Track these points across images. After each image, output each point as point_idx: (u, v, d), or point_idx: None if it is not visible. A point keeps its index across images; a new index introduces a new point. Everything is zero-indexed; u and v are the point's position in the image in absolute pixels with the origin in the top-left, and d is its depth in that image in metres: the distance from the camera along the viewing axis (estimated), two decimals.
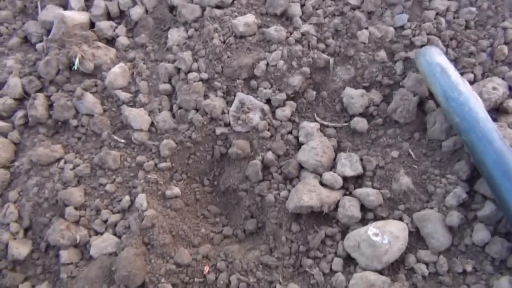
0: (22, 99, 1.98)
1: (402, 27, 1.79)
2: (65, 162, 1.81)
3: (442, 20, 1.76)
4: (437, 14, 1.77)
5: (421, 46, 1.72)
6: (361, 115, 1.74)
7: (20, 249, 1.75)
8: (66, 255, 1.69)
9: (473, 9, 1.74)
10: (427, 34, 1.74)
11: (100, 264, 1.66)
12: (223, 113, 1.79)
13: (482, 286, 1.40)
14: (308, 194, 1.56)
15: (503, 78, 1.64)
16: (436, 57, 1.59)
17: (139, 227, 1.65)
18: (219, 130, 1.78)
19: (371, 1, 1.80)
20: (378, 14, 1.83)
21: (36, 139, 1.90)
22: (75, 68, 1.90)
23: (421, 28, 1.75)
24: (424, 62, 1.60)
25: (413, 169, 1.60)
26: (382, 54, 1.77)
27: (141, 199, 1.69)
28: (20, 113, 1.93)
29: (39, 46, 2.06)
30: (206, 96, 1.82)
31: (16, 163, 1.88)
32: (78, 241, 1.70)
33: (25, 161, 1.84)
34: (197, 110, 1.81)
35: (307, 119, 1.78)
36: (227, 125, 1.79)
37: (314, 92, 1.81)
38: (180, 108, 1.84)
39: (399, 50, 1.77)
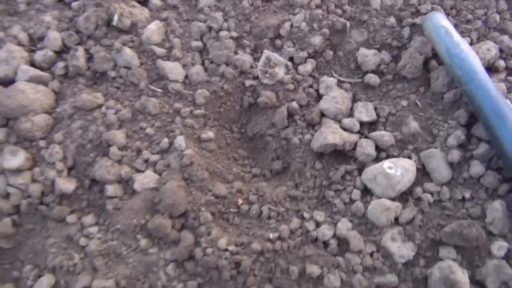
0: (61, 52, 2.13)
1: None
2: (107, 108, 1.99)
3: None
4: None
5: (426, 13, 1.99)
6: (374, 72, 2.00)
7: (67, 184, 1.92)
8: (111, 189, 1.88)
9: None
10: (431, 3, 2.01)
11: (144, 197, 1.85)
12: (251, 67, 2.01)
13: (478, 209, 1.68)
14: (332, 134, 1.81)
15: (495, 42, 1.93)
16: (441, 20, 1.86)
17: (180, 165, 1.85)
18: (248, 82, 2.00)
19: None
20: None
21: (76, 88, 2.07)
22: (114, 24, 2.07)
23: None
24: (431, 24, 1.87)
25: (420, 116, 1.87)
26: (391, 20, 2.03)
27: (180, 140, 1.89)
28: (60, 64, 2.09)
29: (74, 4, 2.21)
30: (235, 53, 2.03)
31: (58, 109, 2.03)
32: (122, 177, 1.89)
33: (68, 107, 2.00)
34: (227, 64, 2.02)
35: (326, 75, 2.02)
36: (255, 78, 2.01)
37: (332, 52, 2.05)
38: (211, 62, 2.05)
39: (406, 17, 2.03)
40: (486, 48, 1.88)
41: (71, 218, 1.90)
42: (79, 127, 1.96)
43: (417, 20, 2.00)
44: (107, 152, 1.93)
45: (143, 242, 1.78)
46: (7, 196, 1.92)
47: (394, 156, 1.82)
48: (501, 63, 1.89)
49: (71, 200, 1.94)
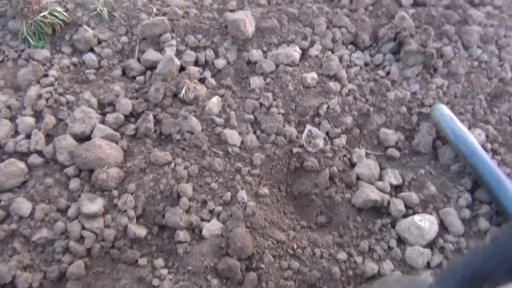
0: (129, 116, 2.44)
1: (415, 93, 2.65)
2: (176, 164, 2.28)
3: (440, 91, 2.65)
4: (436, 87, 2.67)
5: (429, 105, 2.58)
6: (393, 147, 2.49)
7: (139, 230, 2.12)
8: (182, 235, 2.10)
9: (459, 85, 2.67)
10: (432, 98, 2.61)
11: (211, 242, 2.10)
12: (297, 138, 2.43)
13: None
14: (372, 193, 2.22)
15: (481, 129, 2.53)
16: (446, 110, 2.44)
17: (243, 214, 2.15)
18: (295, 150, 2.41)
19: (395, 73, 2.66)
20: (399, 82, 2.68)
21: (143, 148, 2.35)
22: (181, 96, 2.45)
23: (428, 94, 2.62)
24: (438, 113, 2.44)
25: (435, 182, 2.35)
26: (403, 108, 2.59)
27: (243, 194, 2.21)
28: (131, 126, 2.38)
29: (139, 78, 2.58)
30: (283, 125, 2.46)
31: (128, 164, 2.29)
32: (193, 224, 2.13)
33: (139, 162, 2.27)
34: (277, 134, 2.43)
35: (357, 148, 2.49)
36: (301, 146, 2.42)
37: (358, 130, 2.54)
38: (262, 132, 2.45)
39: (414, 107, 2.60)
40: (477, 133, 2.47)
41: (142, 261, 2.08)
42: (151, 180, 2.22)
43: (423, 110, 2.57)
44: (175, 203, 2.19)
45: (214, 282, 2.00)
46: (81, 239, 2.08)
47: (419, 213, 2.25)
48: (488, 145, 2.47)
49: (141, 245, 2.13)
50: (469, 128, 2.54)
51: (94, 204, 2.12)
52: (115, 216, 2.14)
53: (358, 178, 2.36)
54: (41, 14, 2.58)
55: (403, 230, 2.17)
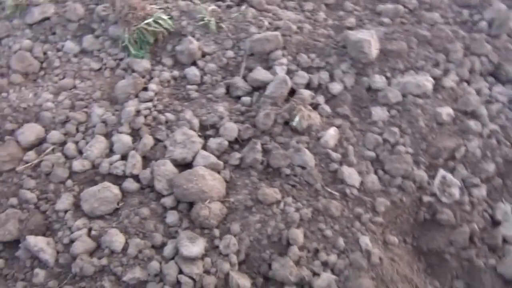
0: (233, 142, 2.15)
1: None
2: (285, 204, 1.96)
3: None
4: None
5: None
6: None
7: (243, 280, 1.81)
8: None
9: None
10: None
11: None
12: (428, 183, 2.05)
13: None
14: None
15: None
16: None
17: (368, 264, 1.80)
18: (425, 198, 2.02)
19: None
20: None
21: (248, 180, 2.05)
22: (294, 124, 2.13)
23: None
24: None
25: None
26: None
27: (366, 240, 1.87)
28: (236, 155, 2.09)
29: (245, 99, 2.29)
30: (412, 168, 2.08)
31: (231, 199, 2.00)
32: (306, 279, 1.80)
33: (245, 198, 1.97)
34: (404, 178, 2.06)
35: (499, 202, 2.07)
36: (432, 195, 2.04)
37: (501, 180, 2.12)
38: (385, 173, 2.08)
39: None
40: None
41: None
42: (258, 221, 1.92)
43: None
44: (284, 250, 1.87)
45: None
46: (177, 284, 1.80)
47: None
48: None
49: None
50: None
51: (195, 246, 1.84)
52: (215, 260, 1.85)
53: (504, 241, 1.95)
54: (146, 21, 2.36)
55: None
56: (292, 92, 2.33)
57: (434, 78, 2.32)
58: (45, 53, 2.51)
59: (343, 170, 2.04)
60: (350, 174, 2.04)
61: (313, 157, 2.09)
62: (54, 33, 2.59)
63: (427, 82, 2.26)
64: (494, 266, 1.87)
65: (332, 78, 2.39)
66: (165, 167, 2.01)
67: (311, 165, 2.07)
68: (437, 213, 2.00)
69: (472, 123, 2.17)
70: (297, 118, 2.14)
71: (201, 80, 2.38)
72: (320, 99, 2.32)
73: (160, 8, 2.46)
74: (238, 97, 2.34)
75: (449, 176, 2.06)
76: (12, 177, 2.06)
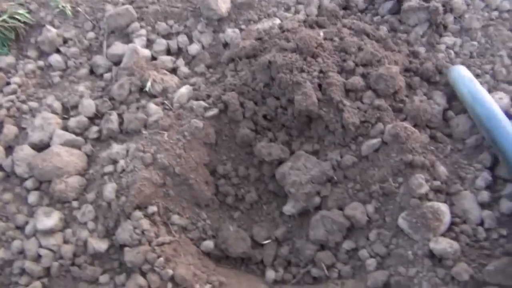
0: (93, 118, 2.23)
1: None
2: None
3: (451, 51, 2.22)
4: (446, 47, 2.24)
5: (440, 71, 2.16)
6: None
7: (100, 243, 1.90)
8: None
9: (475, 42, 2.22)
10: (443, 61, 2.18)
11: None
12: None
13: None
14: None
15: (504, 91, 2.07)
16: (464, 71, 2.04)
17: None
18: None
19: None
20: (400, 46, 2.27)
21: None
22: (147, 89, 2.20)
23: (436, 57, 2.20)
24: (456, 74, 2.04)
25: None
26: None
27: None
28: (94, 129, 2.17)
29: (107, 75, 2.35)
30: None
31: (91, 171, 2.08)
32: None
33: (100, 168, 2.05)
34: None
35: None
36: None
37: None
38: None
39: None
40: (498, 97, 2.02)
41: (103, 278, 1.87)
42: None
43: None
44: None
45: None
46: (38, 258, 1.90)
47: None
48: None
49: (103, 261, 1.92)
50: (489, 91, 2.09)
51: (50, 219, 1.93)
52: (75, 230, 1.94)
53: None
54: (1, 18, 2.42)
55: None
56: (155, 60, 2.40)
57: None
58: None
59: None
60: None
61: (159, 108, 2.15)
62: None
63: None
64: None
65: (191, 40, 2.44)
66: (23, 152, 2.09)
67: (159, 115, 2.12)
68: None
69: None
70: (148, 83, 2.20)
71: (66, 65, 2.45)
72: (180, 62, 2.39)
73: (16, 4, 2.52)
74: (102, 75, 2.41)
75: None
76: None
